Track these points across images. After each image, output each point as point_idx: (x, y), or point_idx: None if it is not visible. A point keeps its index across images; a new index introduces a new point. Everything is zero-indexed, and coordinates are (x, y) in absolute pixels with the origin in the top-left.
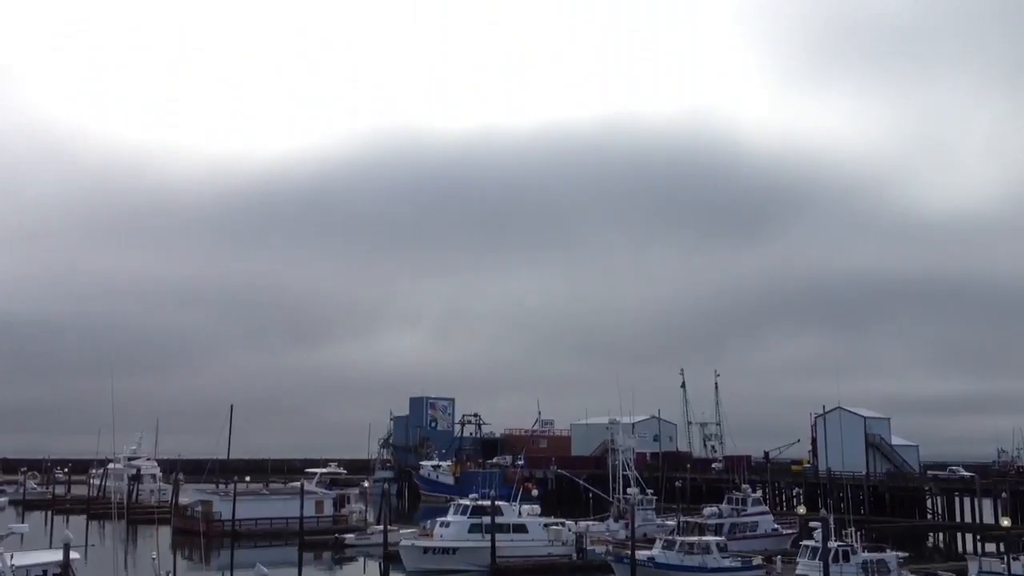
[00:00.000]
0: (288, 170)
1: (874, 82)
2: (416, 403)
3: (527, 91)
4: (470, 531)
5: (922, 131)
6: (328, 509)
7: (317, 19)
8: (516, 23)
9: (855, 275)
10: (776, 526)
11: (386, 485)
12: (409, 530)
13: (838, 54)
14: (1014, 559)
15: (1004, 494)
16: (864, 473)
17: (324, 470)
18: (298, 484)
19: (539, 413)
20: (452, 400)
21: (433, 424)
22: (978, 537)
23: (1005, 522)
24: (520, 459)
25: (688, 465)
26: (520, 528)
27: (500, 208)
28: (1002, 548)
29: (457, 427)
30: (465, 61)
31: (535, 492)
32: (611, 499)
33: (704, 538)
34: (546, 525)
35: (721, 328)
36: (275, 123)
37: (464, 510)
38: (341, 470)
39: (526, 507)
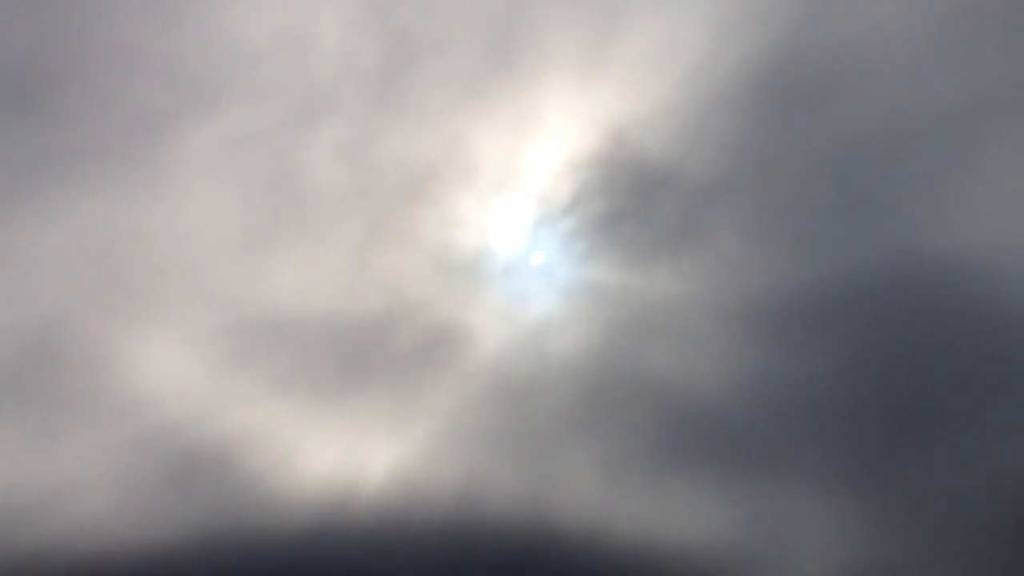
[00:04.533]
0: (110, 553)
1: (708, 482)
2: None
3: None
4: None
5: (759, 529)
6: None
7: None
8: None
9: None
10: None
11: None
12: None
13: (670, 455)
14: None
15: None
16: None
17: None
18: None
19: None
20: None
21: None
22: None
23: None
24: None
25: None
26: None
27: None
28: None
29: None
30: (320, 432)
31: None
32: None
33: None
34: None
35: None
36: (99, 505)
37: None
38: None
39: None
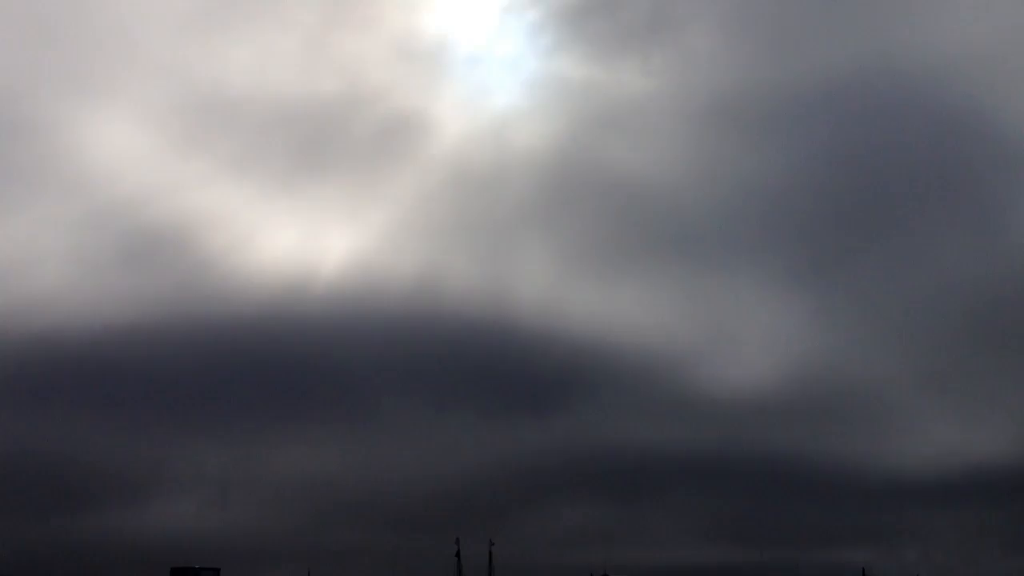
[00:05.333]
0: (64, 330)
1: (662, 275)
2: (177, 573)
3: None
4: None
5: (709, 322)
6: None
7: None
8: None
9: (636, 451)
10: None
11: None
12: None
13: (626, 248)
14: None
15: None
16: None
17: None
18: None
19: None
20: (217, 570)
21: None
22: None
23: None
24: None
25: None
26: None
27: (297, 376)
28: None
29: None
30: (277, 216)
31: None
32: None
33: None
34: None
35: (503, 497)
36: (52, 281)
37: None
38: None
39: None
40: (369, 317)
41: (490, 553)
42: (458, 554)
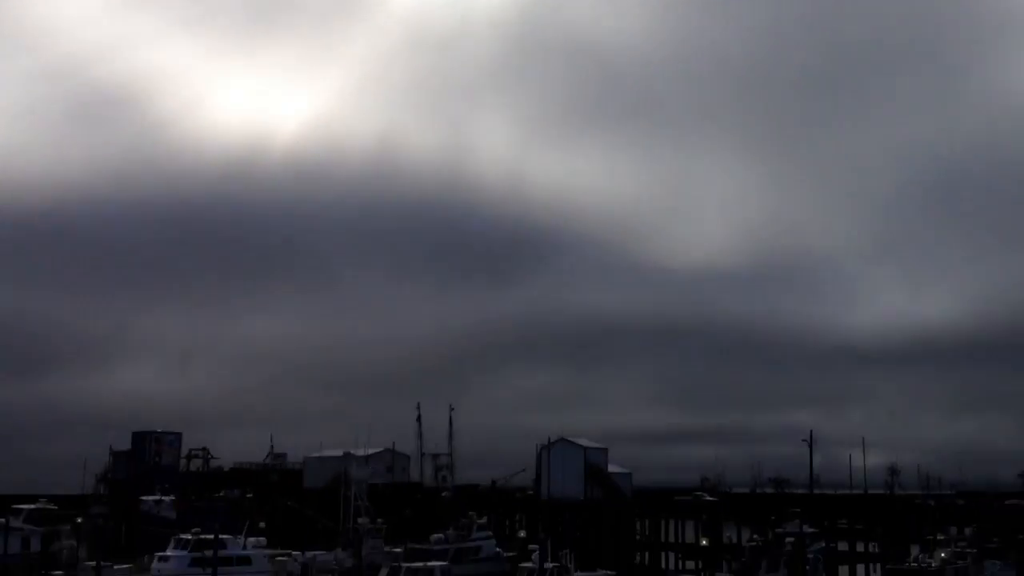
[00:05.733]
0: (18, 193)
1: (622, 141)
2: (139, 437)
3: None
4: (191, 565)
5: (667, 190)
6: (35, 546)
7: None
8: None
9: (592, 318)
10: (498, 549)
11: (100, 520)
12: (125, 566)
13: (587, 114)
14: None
15: (703, 516)
16: (582, 499)
17: (32, 506)
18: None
19: (271, 447)
20: (179, 434)
21: (157, 459)
22: (680, 555)
23: (704, 542)
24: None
25: (418, 495)
26: (244, 560)
27: (255, 241)
28: (700, 565)
29: (183, 462)
30: (231, 78)
31: (262, 524)
32: (341, 528)
33: (428, 563)
34: (272, 557)
35: (462, 364)
36: (2, 142)
37: (185, 544)
38: (52, 506)
39: (252, 540)
40: (327, 181)
41: (450, 418)
42: (419, 418)
